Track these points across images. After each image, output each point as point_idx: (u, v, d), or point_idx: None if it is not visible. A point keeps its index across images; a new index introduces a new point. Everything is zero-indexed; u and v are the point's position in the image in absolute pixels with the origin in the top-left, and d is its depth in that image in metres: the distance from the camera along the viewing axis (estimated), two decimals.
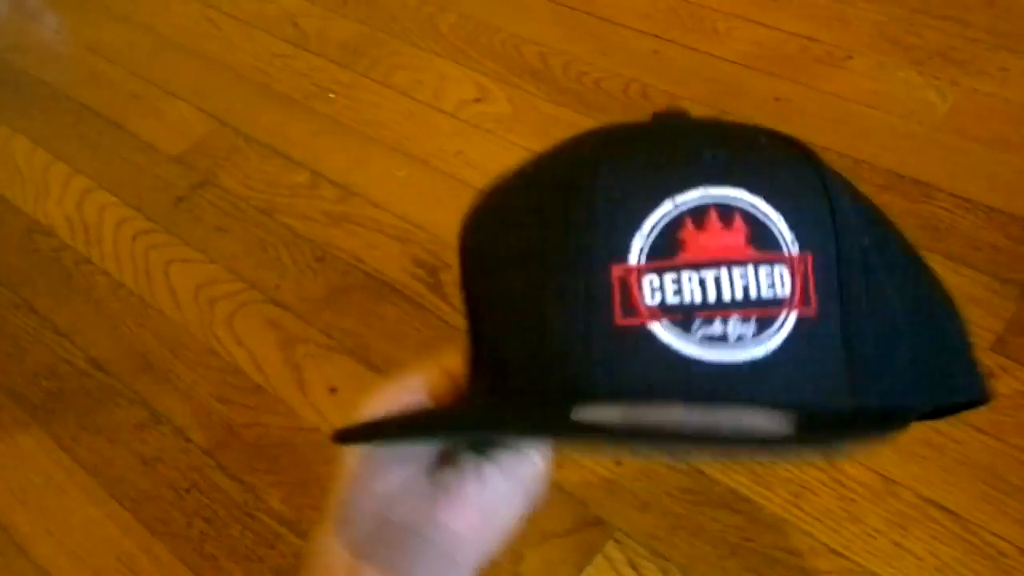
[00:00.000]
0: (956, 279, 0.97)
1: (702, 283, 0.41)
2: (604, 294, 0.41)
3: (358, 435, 0.42)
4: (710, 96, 1.25)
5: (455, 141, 1.24)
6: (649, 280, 0.41)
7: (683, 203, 0.42)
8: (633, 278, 0.41)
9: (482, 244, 0.48)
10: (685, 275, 0.41)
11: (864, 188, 1.18)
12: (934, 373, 0.47)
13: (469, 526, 0.45)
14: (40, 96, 1.45)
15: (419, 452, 0.47)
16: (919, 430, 0.84)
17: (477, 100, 1.31)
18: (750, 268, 0.41)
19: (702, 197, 0.42)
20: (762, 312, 0.41)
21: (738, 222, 0.42)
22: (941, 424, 0.85)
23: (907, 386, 0.44)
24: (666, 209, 0.41)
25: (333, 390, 0.95)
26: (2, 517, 0.89)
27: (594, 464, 0.85)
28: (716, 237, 0.41)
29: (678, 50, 1.34)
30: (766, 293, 0.41)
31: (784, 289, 0.41)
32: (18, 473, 0.92)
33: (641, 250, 0.41)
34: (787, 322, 0.41)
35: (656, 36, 1.36)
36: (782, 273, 0.41)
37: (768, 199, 0.42)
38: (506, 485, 0.46)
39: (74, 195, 1.25)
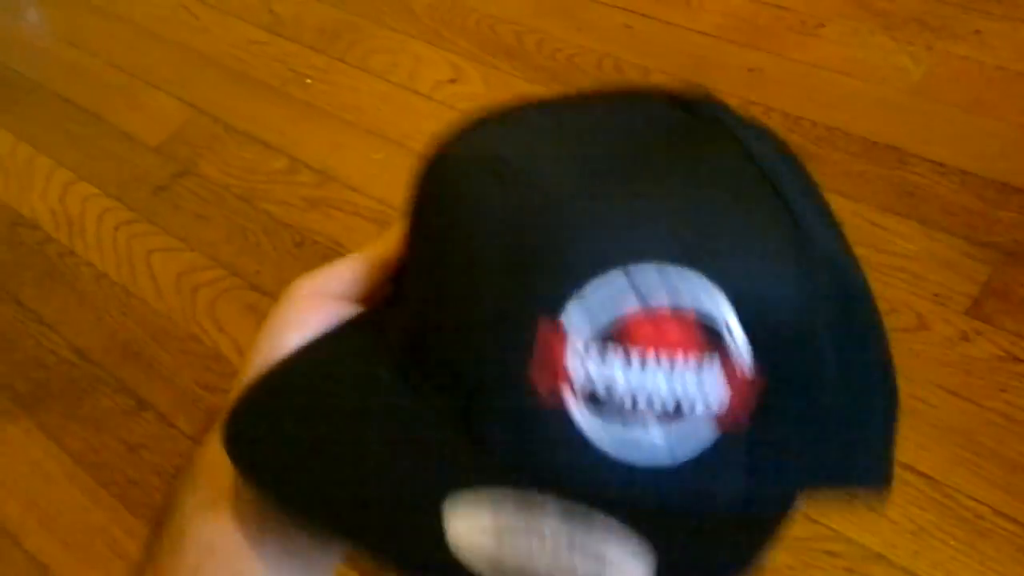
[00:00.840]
0: (931, 244, 0.97)
1: (630, 378, 0.35)
2: (526, 344, 0.35)
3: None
4: (684, 69, 1.25)
5: (431, 122, 1.24)
6: (576, 350, 0.35)
7: (635, 276, 0.35)
8: (560, 341, 0.35)
9: (442, 205, 0.41)
10: (615, 362, 0.35)
11: (838, 156, 1.19)
12: (840, 461, 0.41)
13: None
14: (23, 91, 1.45)
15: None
16: None
17: (452, 81, 1.31)
18: (687, 373, 0.35)
19: (658, 275, 0.35)
20: (684, 424, 0.36)
21: (688, 314, 0.35)
22: (915, 388, 0.85)
23: (802, 476, 0.39)
24: (615, 278, 0.35)
25: None
26: None
27: None
28: (660, 326, 0.35)
29: (651, 24, 1.34)
30: (698, 407, 0.36)
31: (716, 401, 0.36)
32: (8, 464, 0.94)
33: (575, 315, 0.35)
34: (707, 437, 0.36)
35: (629, 10, 1.36)
36: (719, 383, 0.36)
37: (729, 294, 0.36)
38: None
39: (57, 188, 1.26)
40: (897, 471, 0.87)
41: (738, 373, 0.36)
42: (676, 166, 0.39)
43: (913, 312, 0.91)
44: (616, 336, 0.35)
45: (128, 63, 1.46)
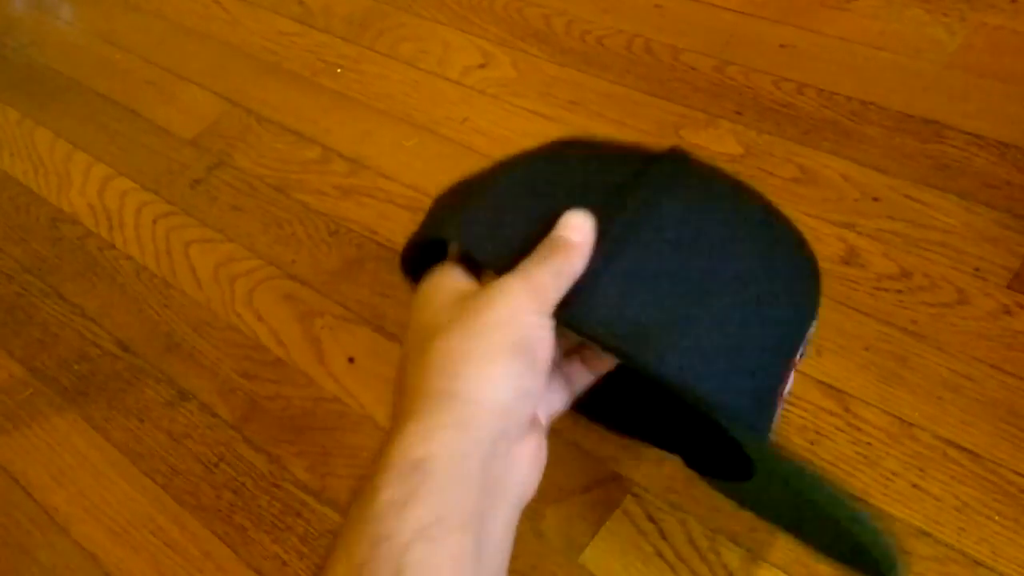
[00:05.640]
0: (970, 217, 0.96)
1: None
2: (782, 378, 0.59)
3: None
4: (714, 47, 1.24)
5: (461, 108, 1.24)
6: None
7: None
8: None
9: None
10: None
11: (873, 130, 1.18)
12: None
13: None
14: (59, 88, 1.47)
15: None
16: (935, 371, 0.84)
17: (481, 66, 1.31)
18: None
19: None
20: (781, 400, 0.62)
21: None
22: (956, 364, 0.84)
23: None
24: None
25: (351, 360, 0.97)
26: (42, 499, 0.92)
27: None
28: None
29: (680, 3, 1.33)
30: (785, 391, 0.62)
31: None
32: (55, 455, 0.95)
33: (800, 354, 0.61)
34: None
35: None
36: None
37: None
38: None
39: (95, 183, 1.27)
40: (940, 447, 0.87)
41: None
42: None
43: (953, 287, 0.90)
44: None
45: (161, 58, 1.47)
